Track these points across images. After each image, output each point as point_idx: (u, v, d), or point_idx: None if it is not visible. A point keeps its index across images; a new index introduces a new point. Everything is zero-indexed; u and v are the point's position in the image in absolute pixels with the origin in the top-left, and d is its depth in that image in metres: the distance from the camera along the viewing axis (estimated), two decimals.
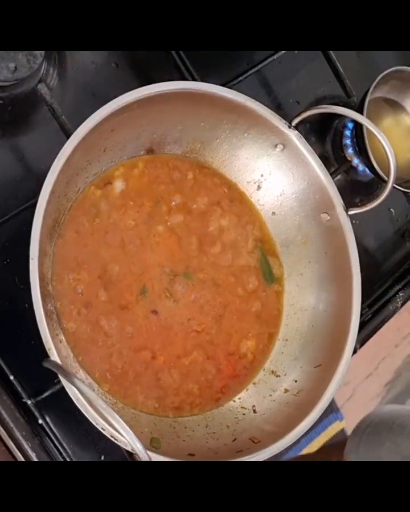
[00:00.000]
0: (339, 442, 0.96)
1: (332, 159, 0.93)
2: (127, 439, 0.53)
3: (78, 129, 0.61)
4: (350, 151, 0.91)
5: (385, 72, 0.87)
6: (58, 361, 0.56)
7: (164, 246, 0.72)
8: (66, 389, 0.56)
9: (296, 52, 0.91)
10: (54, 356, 0.56)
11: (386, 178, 0.79)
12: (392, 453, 0.87)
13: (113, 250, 0.70)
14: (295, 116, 0.75)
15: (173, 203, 0.74)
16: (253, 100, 0.71)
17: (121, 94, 0.64)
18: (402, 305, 0.94)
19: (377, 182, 0.95)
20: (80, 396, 0.55)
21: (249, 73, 0.84)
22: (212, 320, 0.74)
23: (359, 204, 0.79)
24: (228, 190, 0.78)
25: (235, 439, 0.69)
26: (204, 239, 0.75)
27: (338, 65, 0.91)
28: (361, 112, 0.84)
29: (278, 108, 0.89)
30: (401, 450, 0.86)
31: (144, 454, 0.54)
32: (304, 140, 0.74)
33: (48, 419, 0.68)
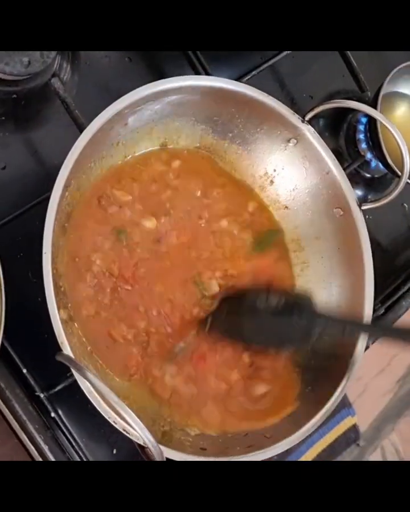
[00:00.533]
0: None
1: (346, 154, 0.93)
2: (139, 433, 0.53)
3: (91, 123, 0.61)
4: (363, 145, 0.91)
5: (399, 67, 0.87)
6: (71, 355, 0.56)
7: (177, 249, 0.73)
8: (79, 382, 0.56)
9: None
10: (67, 350, 0.56)
11: (400, 173, 0.78)
12: None
13: (127, 247, 0.70)
14: (309, 111, 0.74)
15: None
16: (266, 94, 0.71)
17: (134, 88, 0.64)
18: None
19: (391, 177, 0.94)
20: (92, 389, 0.55)
21: (262, 67, 0.84)
22: None
23: (372, 199, 0.79)
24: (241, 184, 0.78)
25: (247, 434, 0.69)
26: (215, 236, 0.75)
27: (352, 59, 0.90)
28: (375, 107, 0.83)
29: (292, 103, 0.89)
30: None
31: (156, 448, 0.54)
32: (317, 134, 0.74)
33: (60, 412, 0.69)
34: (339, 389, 0.69)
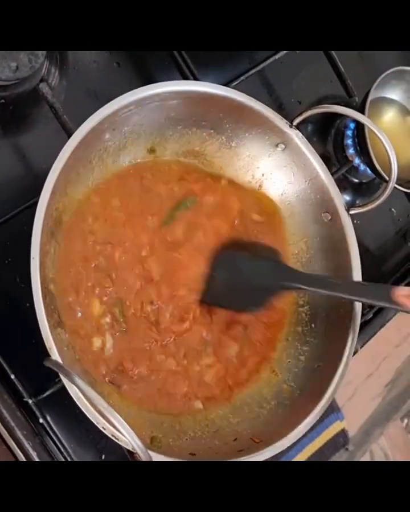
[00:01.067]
0: None
1: (334, 159, 0.93)
2: (128, 438, 0.53)
3: (79, 128, 0.61)
4: (351, 150, 0.91)
5: (387, 72, 0.87)
6: (59, 360, 0.56)
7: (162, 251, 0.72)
8: (67, 388, 0.56)
9: (297, 51, 0.90)
10: (55, 355, 0.56)
11: (387, 178, 0.78)
12: None
13: (116, 248, 0.69)
14: (297, 116, 0.75)
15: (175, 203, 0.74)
16: (255, 100, 0.71)
17: (122, 93, 0.64)
18: None
19: (379, 182, 0.95)
20: (80, 395, 0.55)
21: (250, 72, 0.84)
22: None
23: (360, 204, 0.79)
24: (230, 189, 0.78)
25: (236, 439, 0.69)
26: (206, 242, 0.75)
27: (340, 64, 0.91)
28: (362, 112, 0.84)
29: (280, 108, 0.89)
30: None
31: (145, 453, 0.54)
32: (305, 139, 0.74)
33: (48, 418, 0.69)
34: (327, 394, 0.69)
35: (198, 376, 0.72)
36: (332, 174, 0.76)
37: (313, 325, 0.77)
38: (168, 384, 0.70)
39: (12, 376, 0.66)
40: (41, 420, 0.67)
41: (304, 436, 0.67)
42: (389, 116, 0.94)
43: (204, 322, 0.73)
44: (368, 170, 0.90)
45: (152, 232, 0.72)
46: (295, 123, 0.74)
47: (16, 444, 0.65)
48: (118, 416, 0.52)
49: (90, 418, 0.56)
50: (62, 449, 0.69)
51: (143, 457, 0.54)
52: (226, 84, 0.79)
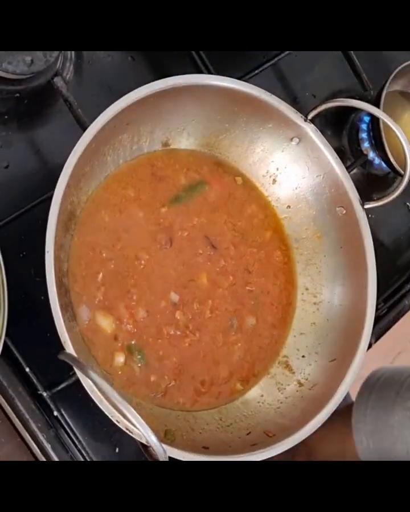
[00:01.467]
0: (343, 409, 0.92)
1: (349, 153, 0.93)
2: (142, 431, 0.53)
3: (93, 122, 0.61)
4: (366, 144, 0.91)
5: (402, 65, 0.87)
6: (74, 353, 0.56)
7: (177, 244, 0.73)
8: (82, 381, 0.56)
9: None
10: (69, 348, 0.56)
11: (402, 172, 0.78)
12: (404, 419, 0.83)
13: (130, 243, 0.70)
14: (311, 110, 0.74)
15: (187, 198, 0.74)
16: (269, 93, 0.71)
17: (137, 87, 0.64)
18: None
19: (394, 176, 0.94)
20: (94, 388, 0.55)
21: (265, 66, 0.84)
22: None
23: (375, 198, 0.79)
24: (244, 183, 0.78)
25: (249, 432, 0.69)
26: (218, 235, 0.75)
27: (355, 58, 0.90)
28: (377, 105, 0.83)
29: (294, 102, 0.89)
30: None
31: (158, 447, 0.54)
32: (320, 133, 0.74)
33: (63, 411, 0.69)
34: (342, 388, 0.69)
35: (230, 354, 0.74)
36: (346, 168, 0.76)
37: (327, 319, 0.77)
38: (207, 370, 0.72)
39: (27, 369, 0.66)
40: (55, 413, 0.67)
41: (317, 430, 0.67)
42: (404, 109, 0.94)
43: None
44: (383, 164, 0.90)
45: (158, 219, 0.72)
46: (309, 116, 0.74)
47: (30, 436, 0.66)
48: (132, 410, 0.53)
49: (104, 411, 0.56)
50: (76, 442, 0.69)
51: (157, 450, 0.54)
52: (241, 78, 0.79)
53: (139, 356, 0.68)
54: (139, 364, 0.68)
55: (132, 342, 0.68)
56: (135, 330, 0.69)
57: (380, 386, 0.87)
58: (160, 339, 0.70)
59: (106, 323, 0.67)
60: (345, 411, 0.88)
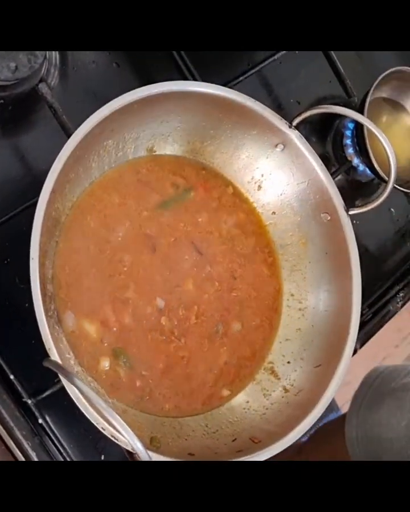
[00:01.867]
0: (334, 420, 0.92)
1: (333, 159, 0.94)
2: (127, 439, 0.53)
3: (78, 129, 0.61)
4: (351, 151, 0.91)
5: (386, 72, 0.87)
6: (59, 361, 0.56)
7: (163, 250, 0.73)
8: (67, 388, 0.56)
9: (297, 52, 0.91)
10: (54, 355, 0.56)
11: (386, 178, 0.79)
12: (393, 408, 0.83)
13: (116, 249, 0.70)
14: (296, 116, 0.75)
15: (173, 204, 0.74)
16: (254, 100, 0.71)
17: (122, 93, 0.64)
18: (402, 305, 0.94)
19: (378, 182, 0.95)
20: (80, 395, 0.55)
21: (249, 73, 0.84)
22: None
23: (360, 204, 0.79)
24: (229, 189, 0.78)
25: (235, 439, 0.69)
26: (203, 242, 0.75)
27: (339, 65, 0.91)
28: (361, 112, 0.84)
29: (279, 108, 0.89)
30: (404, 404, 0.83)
31: (144, 454, 0.54)
32: (304, 140, 0.74)
33: (48, 418, 0.68)
34: (327, 394, 0.69)
35: (215, 360, 0.74)
36: (331, 174, 0.76)
37: (313, 325, 0.77)
38: (192, 376, 0.72)
39: (12, 377, 0.66)
40: (40, 420, 0.67)
41: (303, 436, 0.67)
42: (388, 116, 0.94)
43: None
44: (368, 171, 0.91)
45: (143, 225, 0.72)
46: (294, 123, 0.74)
47: (15, 444, 0.65)
48: (118, 417, 0.52)
49: (90, 418, 0.56)
50: (61, 450, 0.69)
51: (142, 457, 0.54)
52: (226, 84, 0.79)
53: (125, 362, 0.68)
54: (125, 370, 0.68)
55: (118, 348, 0.68)
56: (121, 336, 0.69)
57: (378, 383, 0.87)
58: (145, 344, 0.70)
59: (91, 329, 0.67)
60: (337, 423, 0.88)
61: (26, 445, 0.65)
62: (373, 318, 0.90)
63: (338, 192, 0.75)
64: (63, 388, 0.56)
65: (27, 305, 0.58)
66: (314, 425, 0.68)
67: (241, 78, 0.83)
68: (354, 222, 0.76)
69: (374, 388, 0.87)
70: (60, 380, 0.57)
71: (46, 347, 0.56)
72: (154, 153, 0.74)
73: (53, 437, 0.69)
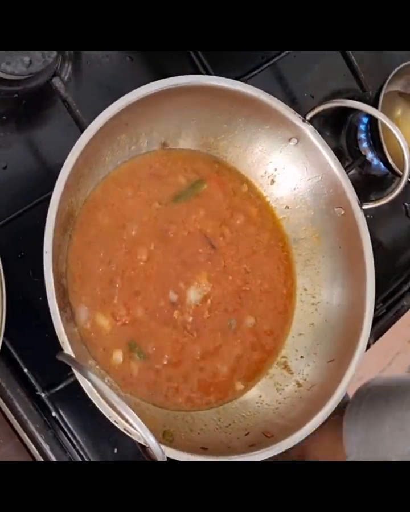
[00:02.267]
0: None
1: (347, 153, 0.93)
2: (140, 432, 0.53)
3: (92, 123, 0.61)
4: (365, 145, 0.91)
5: (400, 66, 0.87)
6: (72, 354, 0.56)
7: (177, 243, 0.73)
8: (80, 382, 0.56)
9: None
10: (68, 349, 0.56)
11: (401, 172, 0.78)
12: (395, 430, 0.83)
13: (129, 242, 0.70)
14: (310, 111, 0.74)
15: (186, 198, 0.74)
16: (267, 94, 0.71)
17: (135, 87, 0.64)
18: None
19: (392, 176, 0.94)
20: (93, 389, 0.55)
21: (263, 67, 0.84)
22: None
23: (373, 199, 0.79)
24: (243, 184, 0.78)
25: (248, 433, 0.69)
26: (217, 235, 0.75)
27: (353, 59, 0.90)
28: (376, 106, 0.83)
29: (293, 103, 0.89)
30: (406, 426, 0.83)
31: (157, 448, 0.54)
32: (318, 134, 0.74)
33: (61, 412, 0.69)
34: (340, 389, 0.69)
35: (228, 354, 0.74)
36: (345, 168, 0.76)
37: (326, 320, 0.77)
38: (205, 370, 0.72)
39: (25, 370, 0.66)
40: (53, 414, 0.67)
41: (316, 430, 0.67)
42: (403, 110, 0.94)
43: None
44: (381, 165, 0.90)
45: (156, 219, 0.72)
46: (308, 117, 0.74)
47: (29, 437, 0.66)
48: (131, 410, 0.53)
49: (103, 412, 0.56)
50: (74, 442, 0.69)
51: (155, 451, 0.54)
52: (240, 78, 0.79)
53: (138, 356, 0.68)
54: (138, 364, 0.68)
55: (131, 341, 0.68)
56: (134, 329, 0.69)
57: (370, 396, 0.87)
58: (158, 338, 0.70)
59: (104, 322, 0.67)
60: (336, 418, 0.88)
61: (40, 438, 0.65)
62: (387, 313, 0.90)
63: (352, 186, 0.75)
64: (76, 382, 0.56)
65: (40, 298, 0.58)
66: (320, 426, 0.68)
67: (255, 72, 0.83)
68: (368, 216, 0.76)
69: (368, 403, 0.87)
70: (73, 374, 0.57)
71: (60, 340, 0.56)
72: (167, 148, 0.74)
73: (66, 430, 0.69)
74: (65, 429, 0.69)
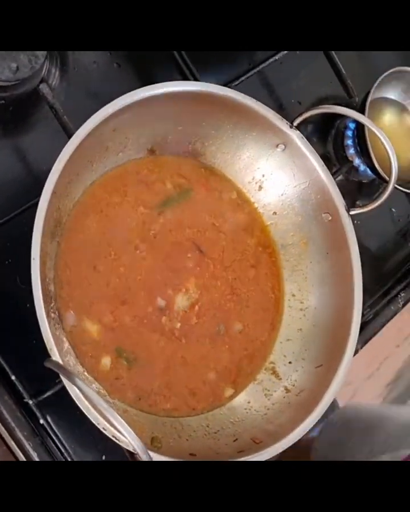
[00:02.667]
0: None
1: (334, 159, 0.93)
2: (128, 439, 0.53)
3: (79, 129, 0.61)
4: (352, 151, 0.91)
5: (387, 72, 0.87)
6: (60, 361, 0.56)
7: (164, 249, 0.73)
8: (68, 389, 0.56)
9: (297, 52, 0.91)
10: (55, 356, 0.56)
11: (387, 178, 0.79)
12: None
13: (117, 249, 0.70)
14: (297, 117, 0.75)
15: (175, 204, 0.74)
16: (255, 100, 0.71)
17: (123, 94, 0.64)
18: (403, 305, 0.94)
19: (379, 182, 0.95)
20: (81, 396, 0.55)
21: (250, 73, 0.84)
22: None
23: (361, 204, 0.79)
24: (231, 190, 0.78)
25: (236, 439, 0.69)
26: (205, 241, 0.75)
27: (340, 65, 0.91)
28: (362, 112, 0.84)
29: (280, 109, 0.89)
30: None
31: (145, 454, 0.54)
32: (305, 140, 0.74)
33: (49, 419, 0.69)
34: (328, 394, 0.69)
35: (217, 360, 0.74)
36: (332, 174, 0.76)
37: (314, 325, 0.77)
38: (193, 376, 0.72)
39: (13, 377, 0.66)
40: (41, 421, 0.67)
41: (304, 436, 0.67)
42: (389, 116, 0.94)
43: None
44: (368, 171, 0.90)
45: (144, 225, 0.72)
46: (295, 123, 0.74)
47: (16, 444, 0.65)
48: (119, 417, 0.52)
49: (91, 419, 0.56)
50: (62, 450, 0.69)
51: (143, 458, 0.54)
52: (227, 84, 0.79)
53: (126, 362, 0.68)
54: (126, 370, 0.68)
55: (119, 348, 0.68)
56: (122, 335, 0.69)
57: (339, 427, 0.87)
58: (146, 344, 0.70)
59: (92, 329, 0.67)
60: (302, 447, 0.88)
61: (27, 445, 0.65)
62: (375, 319, 0.90)
63: (339, 192, 0.75)
64: (64, 389, 0.56)
65: (28, 305, 0.58)
66: (315, 425, 0.68)
67: (242, 78, 0.83)
68: (355, 222, 0.76)
69: (338, 433, 0.88)
70: (61, 381, 0.57)
71: (48, 347, 0.56)
72: (155, 154, 0.74)
73: (54, 438, 0.69)
74: (53, 436, 0.69)
